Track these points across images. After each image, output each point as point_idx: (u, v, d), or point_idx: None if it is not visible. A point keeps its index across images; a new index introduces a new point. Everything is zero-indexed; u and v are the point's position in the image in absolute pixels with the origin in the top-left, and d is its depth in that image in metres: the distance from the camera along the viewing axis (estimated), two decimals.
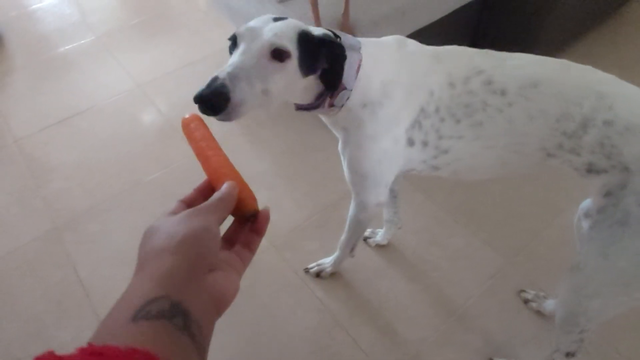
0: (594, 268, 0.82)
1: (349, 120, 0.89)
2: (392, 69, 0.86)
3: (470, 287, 1.40)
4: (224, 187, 0.45)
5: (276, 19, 0.76)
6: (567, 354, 0.98)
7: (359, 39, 0.86)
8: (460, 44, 0.92)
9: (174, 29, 2.55)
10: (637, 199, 0.73)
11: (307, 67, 0.76)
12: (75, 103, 2.11)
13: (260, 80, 0.70)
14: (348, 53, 0.80)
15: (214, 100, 0.65)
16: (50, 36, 2.55)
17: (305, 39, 0.75)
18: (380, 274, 1.45)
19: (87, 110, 2.07)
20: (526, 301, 1.35)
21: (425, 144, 0.90)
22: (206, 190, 0.48)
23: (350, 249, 1.28)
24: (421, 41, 0.93)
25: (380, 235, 1.51)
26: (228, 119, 0.68)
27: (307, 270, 1.45)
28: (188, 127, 0.53)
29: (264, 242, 1.51)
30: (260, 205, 0.50)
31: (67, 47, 2.45)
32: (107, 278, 1.45)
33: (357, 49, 0.83)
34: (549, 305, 1.31)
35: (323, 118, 0.94)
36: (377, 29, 1.52)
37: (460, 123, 0.86)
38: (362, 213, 1.09)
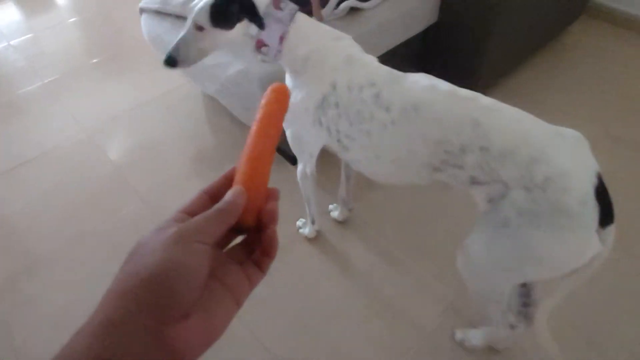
0: (477, 254, 0.95)
1: (288, 74, 1.11)
2: (313, 53, 1.02)
3: (424, 323, 1.38)
4: (228, 194, 0.38)
5: None
6: (511, 326, 1.11)
7: (300, 16, 1.02)
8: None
9: (123, 71, 2.53)
10: (515, 208, 0.82)
11: (223, 24, 0.98)
12: (21, 152, 2.04)
13: (195, 42, 0.99)
14: (273, 25, 0.99)
15: (169, 61, 1.00)
16: None
17: (215, 8, 0.96)
18: (332, 318, 1.41)
19: (33, 160, 2.01)
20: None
21: (329, 130, 1.04)
22: (231, 178, 0.42)
23: (311, 220, 1.54)
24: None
25: (338, 211, 1.64)
26: (183, 66, 1.01)
27: (296, 221, 1.65)
28: (266, 97, 0.46)
29: None
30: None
31: (13, 94, 2.39)
32: (45, 342, 1.37)
33: (284, 20, 1.00)
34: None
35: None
36: None
37: (353, 126, 0.98)
38: (299, 176, 1.33)
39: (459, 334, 1.32)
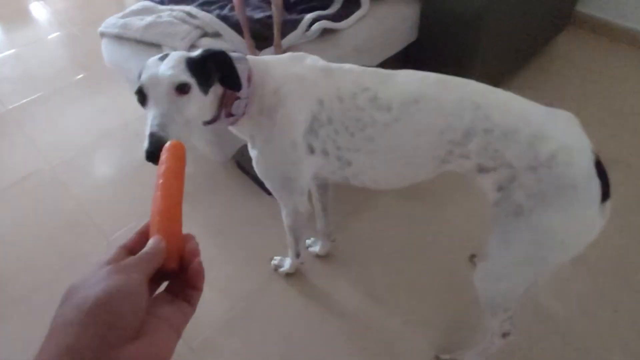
0: (498, 255, 0.92)
1: (252, 127, 0.98)
2: (283, 78, 0.94)
3: None
4: (148, 244, 0.42)
5: (162, 58, 0.83)
6: (503, 335, 1.09)
7: (249, 55, 0.95)
8: None
9: (89, 97, 2.38)
10: (524, 191, 0.82)
11: (205, 85, 0.84)
12: None
13: (179, 114, 0.78)
14: (236, 64, 0.87)
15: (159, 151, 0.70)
16: None
17: (192, 64, 0.83)
18: None
19: None
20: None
21: (325, 153, 0.96)
22: (147, 234, 0.44)
23: (295, 254, 1.40)
24: None
25: (319, 245, 1.53)
26: None
27: (271, 259, 1.52)
28: (162, 156, 0.50)
29: (180, 346, 1.35)
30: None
31: None
32: None
33: (244, 60, 0.91)
34: None
35: (232, 129, 1.03)
36: None
37: (355, 136, 0.92)
38: (289, 219, 1.20)
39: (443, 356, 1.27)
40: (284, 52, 1.43)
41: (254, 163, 1.04)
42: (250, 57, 0.95)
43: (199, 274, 0.43)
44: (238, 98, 0.90)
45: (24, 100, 2.34)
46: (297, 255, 1.41)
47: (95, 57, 1.94)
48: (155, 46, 1.49)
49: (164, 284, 0.44)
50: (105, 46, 1.64)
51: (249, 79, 0.91)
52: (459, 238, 1.59)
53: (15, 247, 1.66)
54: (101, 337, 0.32)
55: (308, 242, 1.58)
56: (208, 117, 0.92)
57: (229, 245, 1.60)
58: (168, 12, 1.57)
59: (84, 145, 2.06)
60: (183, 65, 0.81)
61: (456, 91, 0.88)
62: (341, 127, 0.93)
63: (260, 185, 1.76)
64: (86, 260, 1.58)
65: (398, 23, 1.68)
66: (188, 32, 1.46)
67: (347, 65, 0.98)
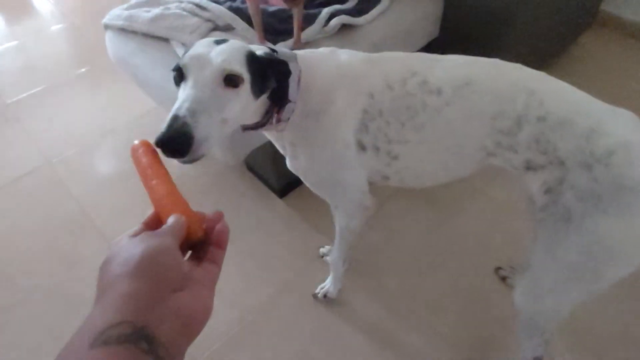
0: (543, 267, 0.83)
1: (295, 134, 0.89)
2: (330, 76, 0.86)
3: None
4: (170, 219, 0.44)
5: (218, 42, 0.73)
6: (535, 359, 1.00)
7: (294, 51, 0.86)
8: None
9: (91, 92, 2.29)
10: (576, 193, 0.74)
11: (258, 89, 0.74)
12: None
13: (218, 110, 0.66)
14: (289, 67, 0.79)
15: (178, 141, 0.60)
16: None
17: (253, 61, 0.73)
18: None
19: None
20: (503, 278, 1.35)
21: (376, 149, 0.90)
22: (153, 223, 0.46)
23: (342, 262, 1.26)
24: None
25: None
26: (192, 159, 0.64)
27: (315, 296, 1.38)
28: (136, 154, 0.52)
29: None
30: None
31: None
32: None
33: (295, 60, 0.82)
34: None
35: (269, 136, 0.96)
36: None
37: (405, 126, 0.86)
38: (352, 221, 1.07)
39: None
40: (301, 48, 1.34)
41: (300, 174, 0.97)
42: (297, 52, 0.86)
43: (224, 234, 0.47)
44: (289, 101, 0.82)
45: (24, 94, 2.25)
46: (344, 261, 1.28)
47: (99, 50, 1.85)
48: (162, 40, 1.40)
49: (187, 254, 0.46)
50: (110, 39, 1.54)
51: (299, 81, 0.82)
52: (480, 248, 1.50)
53: (11, 249, 1.58)
54: (152, 286, 0.35)
55: (322, 250, 1.49)
56: (250, 122, 0.83)
57: (238, 253, 1.51)
58: (176, 4, 1.47)
59: (85, 143, 1.97)
60: (242, 57, 0.71)
61: (509, 75, 0.83)
62: (392, 118, 0.86)
63: (271, 187, 1.68)
64: (86, 265, 1.49)
65: (420, 19, 1.58)
66: (198, 25, 1.37)
67: (386, 53, 0.91)
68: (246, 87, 0.70)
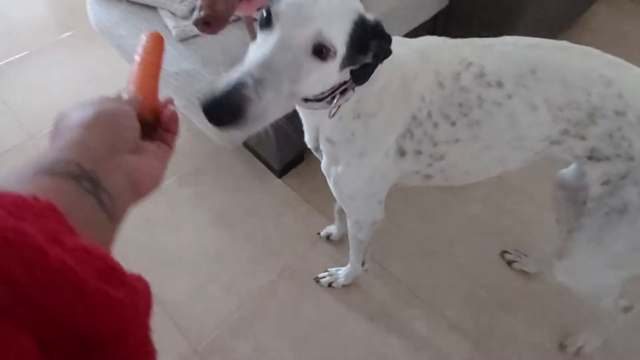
0: (588, 253, 0.84)
1: (338, 131, 0.78)
2: (388, 74, 0.73)
3: None
4: (126, 94, 0.44)
5: None
6: (624, 309, 1.04)
7: None
8: None
9: (75, 60, 2.14)
10: (639, 189, 0.73)
11: (350, 62, 0.62)
12: None
13: (292, 81, 0.55)
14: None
15: (228, 113, 0.50)
16: None
17: (360, 29, 0.59)
18: None
19: None
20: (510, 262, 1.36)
21: (418, 153, 0.82)
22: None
23: (360, 263, 1.21)
24: None
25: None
26: (240, 131, 0.53)
27: (317, 280, 1.33)
28: (144, 39, 0.52)
29: (185, 348, 1.24)
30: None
31: None
32: None
33: None
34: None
35: (304, 119, 0.83)
36: None
37: (456, 125, 0.78)
38: (360, 232, 1.03)
39: (570, 347, 1.19)
40: None
41: (332, 178, 0.87)
42: None
43: (173, 118, 0.46)
44: (352, 89, 0.70)
45: (1, 63, 2.10)
46: (363, 263, 1.22)
47: (83, 13, 1.71)
48: (150, 8, 1.28)
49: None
50: (92, 7, 1.41)
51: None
52: (485, 232, 1.45)
53: None
54: (106, 140, 0.35)
55: (324, 232, 1.44)
56: (315, 92, 0.70)
57: (236, 237, 1.46)
58: None
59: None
60: (348, 23, 0.58)
61: (581, 61, 0.75)
62: (441, 119, 0.78)
63: (269, 166, 1.60)
64: None
65: None
66: None
67: (433, 39, 0.81)
68: (336, 61, 0.58)
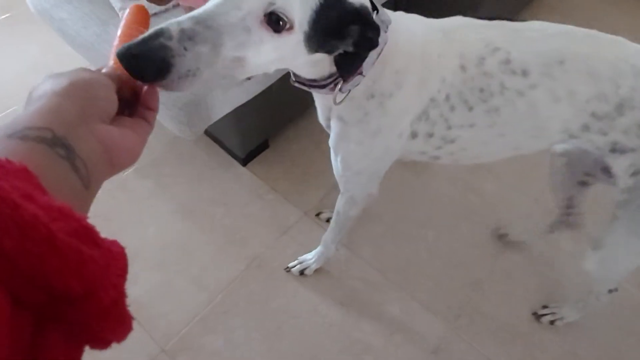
0: (624, 245, 0.86)
1: (350, 111, 0.76)
2: (408, 54, 0.71)
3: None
4: (105, 68, 0.44)
5: None
6: (609, 291, 1.07)
7: (388, 12, 0.68)
8: None
9: (16, 45, 1.97)
10: None
11: (318, 44, 0.57)
12: None
13: (237, 44, 0.50)
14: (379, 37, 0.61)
15: (144, 65, 0.44)
16: None
17: (332, 8, 0.54)
18: None
19: None
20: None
21: (430, 135, 0.80)
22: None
23: (335, 245, 1.23)
24: None
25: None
26: (168, 89, 0.47)
27: (288, 270, 1.31)
28: (128, 12, 0.51)
29: (152, 348, 1.19)
30: None
31: None
32: None
33: (386, 28, 0.66)
34: None
35: (316, 98, 0.81)
36: None
37: (473, 110, 0.76)
38: (353, 208, 1.03)
39: (545, 317, 1.23)
40: None
41: (340, 155, 0.84)
42: (392, 16, 0.68)
43: (153, 95, 0.45)
44: (360, 74, 0.67)
45: None
46: (336, 248, 1.25)
47: None
48: None
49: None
50: None
51: (379, 53, 0.67)
52: (455, 212, 1.46)
53: None
54: (79, 107, 0.34)
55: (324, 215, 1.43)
56: (303, 75, 0.68)
57: (202, 228, 1.40)
58: None
59: (15, 108, 1.72)
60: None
61: (611, 51, 0.73)
62: (459, 102, 0.75)
63: (234, 155, 1.54)
64: None
65: None
66: None
67: (458, 19, 0.77)
68: (295, 37, 0.54)
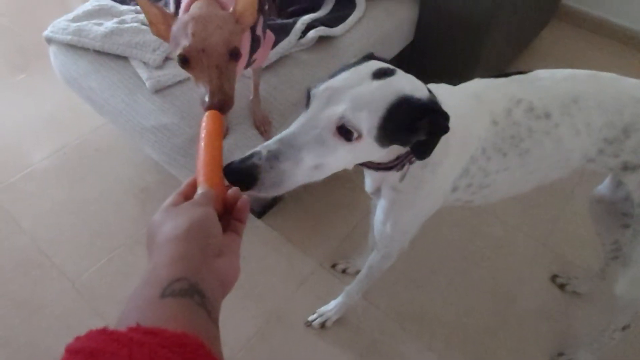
0: None
1: (406, 181, 0.81)
2: (453, 123, 0.72)
3: None
4: (199, 190, 0.51)
5: (378, 74, 0.63)
6: (623, 328, 1.10)
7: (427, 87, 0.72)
8: None
9: (33, 105, 2.04)
10: None
11: (391, 141, 0.64)
12: None
13: (315, 155, 0.60)
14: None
15: (241, 179, 0.56)
16: None
17: (400, 111, 0.61)
18: None
19: None
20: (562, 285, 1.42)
21: (469, 185, 0.87)
22: (190, 192, 0.52)
23: (358, 295, 1.25)
24: None
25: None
26: (258, 195, 0.58)
27: (309, 324, 1.33)
28: (205, 119, 0.60)
29: None
30: None
31: None
32: None
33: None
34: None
35: (368, 175, 0.89)
36: (296, 109, 1.25)
37: (507, 156, 0.84)
38: (388, 262, 1.07)
39: None
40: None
41: (390, 219, 0.89)
42: (434, 91, 0.73)
43: (245, 208, 0.51)
44: None
45: None
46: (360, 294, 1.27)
47: (35, 53, 1.61)
48: (120, 58, 1.25)
49: None
50: (56, 56, 1.36)
51: None
52: (464, 257, 1.50)
53: None
54: (202, 249, 0.40)
55: (341, 266, 1.47)
56: (347, 167, 0.71)
57: None
58: (132, 16, 1.32)
59: (30, 165, 1.76)
60: (382, 106, 0.60)
61: (612, 86, 0.85)
62: (494, 152, 0.83)
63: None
64: (49, 311, 1.35)
65: (396, 25, 1.52)
66: (161, 41, 1.23)
67: (480, 81, 0.87)
68: (364, 142, 0.61)
